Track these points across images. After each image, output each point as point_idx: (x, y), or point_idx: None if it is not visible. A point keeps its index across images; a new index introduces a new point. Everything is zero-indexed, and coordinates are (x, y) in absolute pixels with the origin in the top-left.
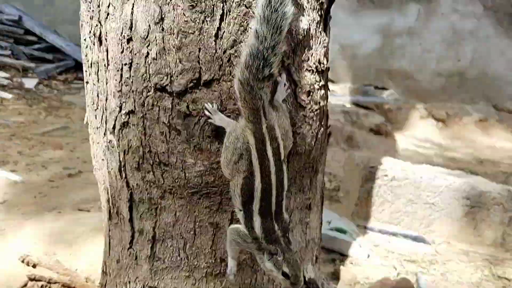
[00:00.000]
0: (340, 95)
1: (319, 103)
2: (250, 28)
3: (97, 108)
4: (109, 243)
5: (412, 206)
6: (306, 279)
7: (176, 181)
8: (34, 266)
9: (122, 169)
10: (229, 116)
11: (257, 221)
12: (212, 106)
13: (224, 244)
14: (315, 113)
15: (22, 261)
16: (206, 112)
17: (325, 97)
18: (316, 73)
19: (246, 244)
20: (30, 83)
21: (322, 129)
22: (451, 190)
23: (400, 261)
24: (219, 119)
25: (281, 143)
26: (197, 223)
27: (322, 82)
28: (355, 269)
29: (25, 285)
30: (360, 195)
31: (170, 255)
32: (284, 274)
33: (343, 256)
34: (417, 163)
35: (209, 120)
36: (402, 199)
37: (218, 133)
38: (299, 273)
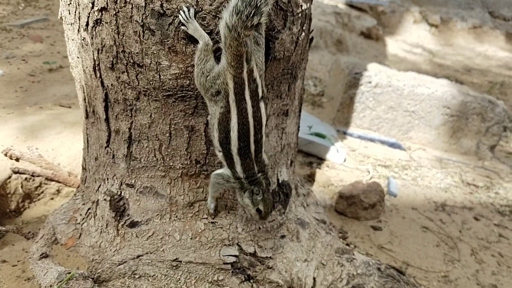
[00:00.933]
0: None
1: (301, 6)
2: None
3: (70, 3)
4: (87, 141)
5: (393, 113)
6: (280, 181)
7: (151, 83)
8: (17, 159)
9: (97, 68)
10: (204, 18)
11: (237, 161)
12: (189, 11)
13: (199, 147)
14: (296, 17)
15: (5, 155)
16: (181, 18)
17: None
18: None
19: (229, 184)
20: None
21: (303, 34)
22: (433, 99)
23: (375, 165)
24: (193, 29)
25: (259, 83)
26: (172, 126)
27: None
28: (331, 172)
29: (9, 177)
30: (343, 101)
31: (146, 155)
32: (258, 210)
33: (321, 160)
34: (404, 70)
35: (182, 27)
36: (383, 106)
37: (194, 36)
38: (269, 211)
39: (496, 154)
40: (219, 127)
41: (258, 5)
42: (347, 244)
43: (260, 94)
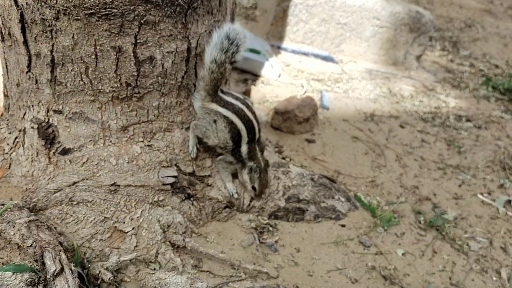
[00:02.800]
0: None
1: None
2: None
3: None
4: (6, 65)
5: (325, 26)
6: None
7: (70, 0)
8: None
9: None
10: None
11: (244, 147)
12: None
13: (129, 69)
14: None
15: None
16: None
17: None
18: None
19: (233, 166)
20: None
21: None
22: (363, 10)
23: (308, 80)
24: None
25: (240, 95)
26: (97, 47)
27: None
28: (266, 88)
29: None
30: (277, 14)
31: (72, 80)
32: (253, 187)
33: (256, 76)
34: None
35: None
36: (316, 18)
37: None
38: (264, 191)
39: (422, 64)
40: (233, 141)
41: (239, 44)
42: (283, 158)
43: (242, 97)
